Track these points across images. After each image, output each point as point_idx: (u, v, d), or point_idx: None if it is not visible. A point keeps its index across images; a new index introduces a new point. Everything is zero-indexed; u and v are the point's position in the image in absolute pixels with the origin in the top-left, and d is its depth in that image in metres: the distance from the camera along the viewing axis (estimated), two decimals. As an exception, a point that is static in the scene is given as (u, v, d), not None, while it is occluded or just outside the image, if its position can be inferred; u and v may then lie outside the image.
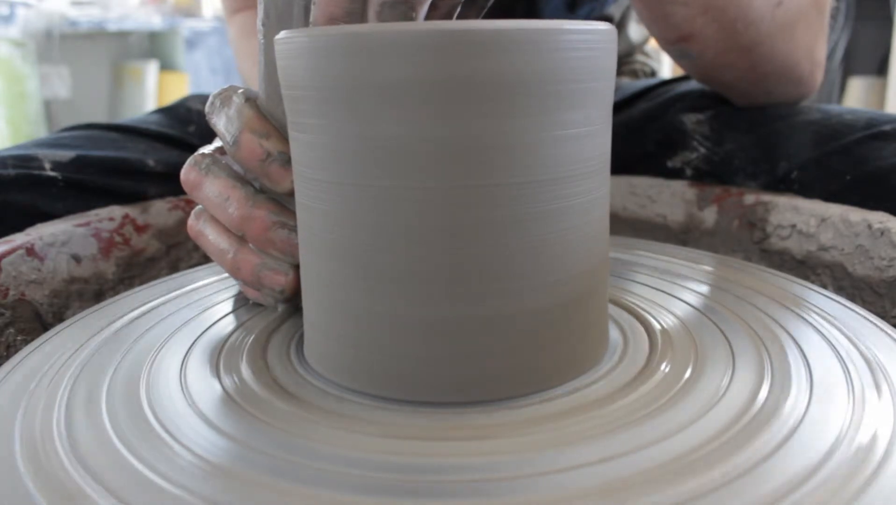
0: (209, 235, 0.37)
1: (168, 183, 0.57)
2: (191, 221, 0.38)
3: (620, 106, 0.65)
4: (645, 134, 0.62)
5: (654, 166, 0.61)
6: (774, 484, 0.22)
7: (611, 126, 0.30)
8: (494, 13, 0.38)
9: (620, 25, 0.81)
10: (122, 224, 0.52)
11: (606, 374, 0.29)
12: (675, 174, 0.59)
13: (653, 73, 0.88)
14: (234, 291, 0.40)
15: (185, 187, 0.37)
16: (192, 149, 0.58)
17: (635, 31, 0.84)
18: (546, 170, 0.26)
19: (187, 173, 0.37)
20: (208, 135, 0.60)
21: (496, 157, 0.25)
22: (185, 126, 0.65)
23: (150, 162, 0.57)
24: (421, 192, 0.25)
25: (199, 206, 0.38)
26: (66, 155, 0.53)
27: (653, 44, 0.81)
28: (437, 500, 0.22)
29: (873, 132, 0.50)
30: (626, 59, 0.86)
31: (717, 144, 0.57)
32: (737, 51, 0.51)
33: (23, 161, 0.51)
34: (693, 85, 0.64)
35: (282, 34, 0.28)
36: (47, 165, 0.52)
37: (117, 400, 0.28)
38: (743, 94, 0.57)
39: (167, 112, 0.67)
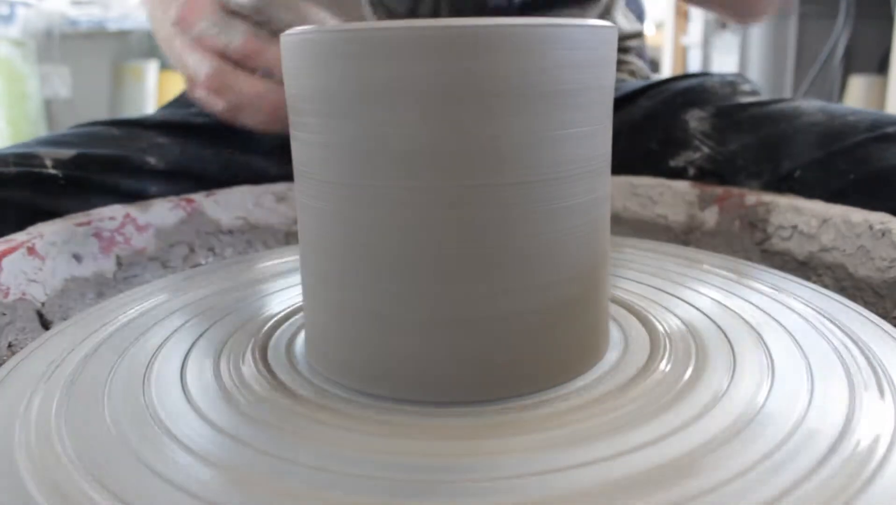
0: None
1: (169, 182, 0.57)
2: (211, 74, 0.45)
3: (621, 103, 0.65)
4: (647, 133, 0.62)
5: (657, 166, 0.60)
6: (775, 484, 0.21)
7: (611, 125, 0.30)
8: None
9: (607, 12, 0.81)
10: (122, 223, 0.51)
11: (607, 373, 0.29)
12: (677, 174, 0.59)
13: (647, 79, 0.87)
14: (234, 291, 0.40)
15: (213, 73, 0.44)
16: (195, 129, 0.59)
17: (622, 21, 0.83)
18: (546, 170, 0.26)
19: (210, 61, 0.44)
20: (210, 114, 0.60)
21: (496, 157, 0.25)
22: (187, 108, 0.65)
23: (152, 160, 0.57)
24: (421, 192, 0.25)
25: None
26: (67, 153, 0.53)
27: (652, 44, 0.81)
28: (437, 500, 0.22)
29: (877, 134, 0.50)
30: (618, 55, 0.85)
31: (720, 144, 0.57)
32: None
33: (24, 159, 0.51)
34: (695, 83, 0.64)
35: (285, 33, 0.28)
36: (48, 163, 0.52)
37: (117, 400, 0.28)
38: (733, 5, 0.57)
39: (169, 105, 0.68)
